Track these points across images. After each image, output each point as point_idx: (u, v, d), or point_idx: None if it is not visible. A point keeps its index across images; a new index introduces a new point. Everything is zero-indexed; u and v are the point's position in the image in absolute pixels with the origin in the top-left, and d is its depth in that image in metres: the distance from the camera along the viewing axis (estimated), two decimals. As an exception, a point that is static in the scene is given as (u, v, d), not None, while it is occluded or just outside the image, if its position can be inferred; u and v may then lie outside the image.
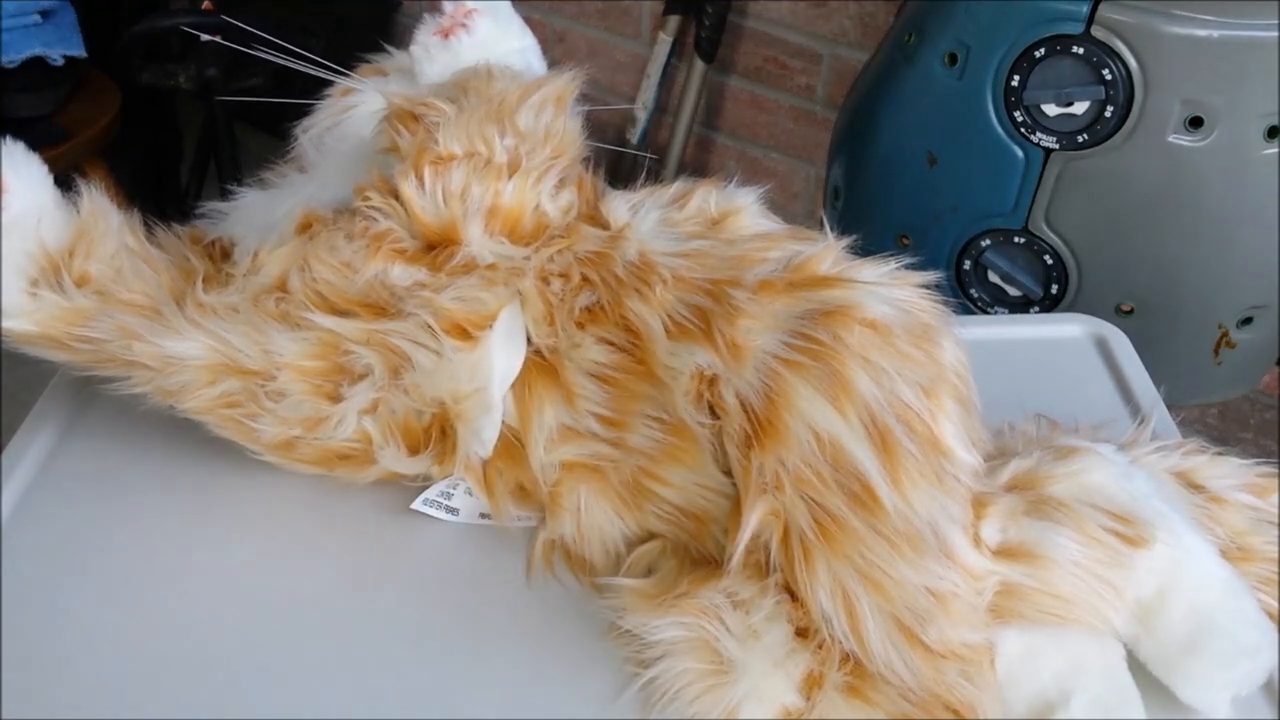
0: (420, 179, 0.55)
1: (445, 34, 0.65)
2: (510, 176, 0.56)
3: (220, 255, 0.63)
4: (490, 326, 0.54)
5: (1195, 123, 0.89)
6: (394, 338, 0.54)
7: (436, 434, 0.56)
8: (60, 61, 1.57)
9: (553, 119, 0.60)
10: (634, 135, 1.77)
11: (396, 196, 0.56)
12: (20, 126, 1.56)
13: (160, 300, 0.57)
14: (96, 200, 0.60)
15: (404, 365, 0.54)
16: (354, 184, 0.59)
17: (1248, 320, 0.99)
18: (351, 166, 0.63)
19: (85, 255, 0.57)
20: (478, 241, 0.56)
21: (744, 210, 0.58)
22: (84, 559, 0.57)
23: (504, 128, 0.58)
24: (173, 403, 0.55)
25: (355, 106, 0.66)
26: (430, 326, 0.54)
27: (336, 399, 0.55)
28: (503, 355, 0.54)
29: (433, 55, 0.65)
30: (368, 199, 0.57)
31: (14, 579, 0.55)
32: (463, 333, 0.54)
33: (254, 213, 0.64)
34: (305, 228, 0.59)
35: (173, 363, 0.54)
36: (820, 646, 0.49)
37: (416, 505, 0.59)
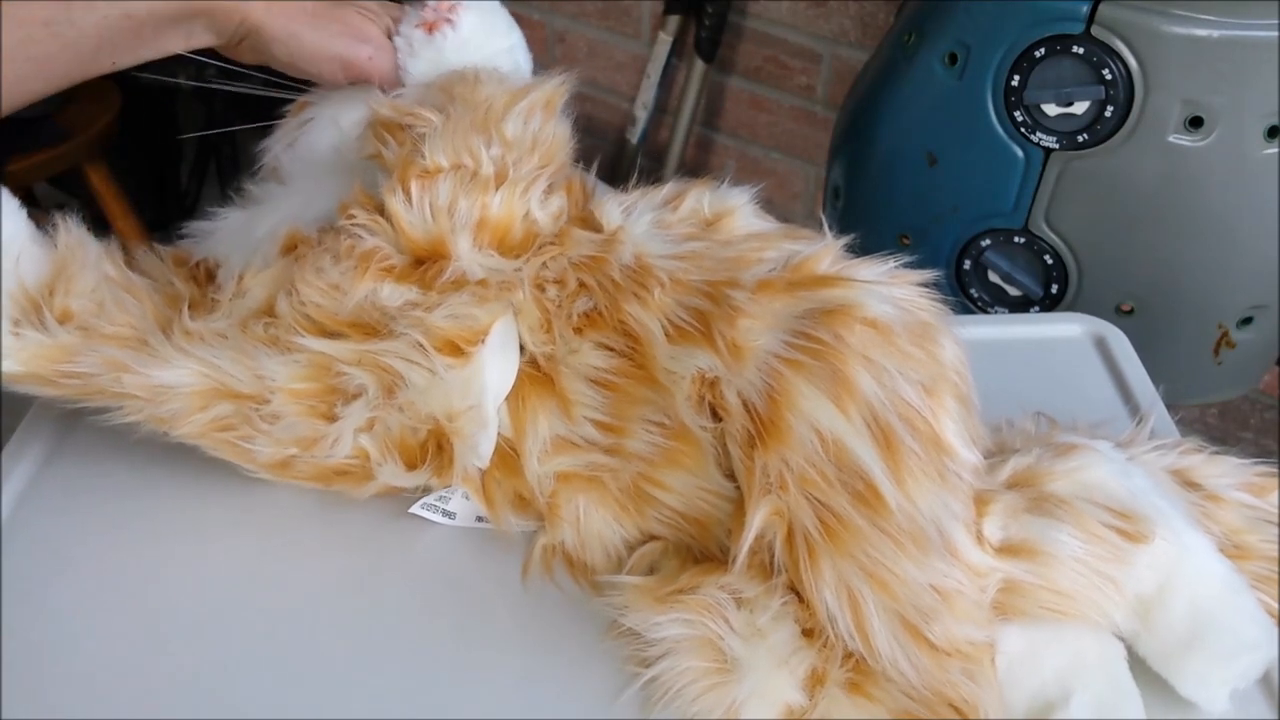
0: (407, 193, 0.55)
1: (429, 28, 0.64)
2: (497, 188, 0.56)
3: (205, 277, 0.62)
4: (483, 341, 0.54)
5: (1195, 123, 0.89)
6: (386, 357, 0.54)
7: (433, 449, 0.56)
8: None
9: (541, 126, 0.59)
10: (634, 135, 1.77)
11: (381, 212, 0.56)
12: (20, 126, 1.56)
13: (146, 330, 0.56)
14: (73, 232, 0.58)
15: (398, 383, 0.54)
16: (335, 193, 0.58)
17: (1248, 320, 0.99)
18: (330, 177, 0.62)
19: (65, 291, 0.56)
20: (467, 255, 0.55)
21: (738, 210, 0.58)
22: (82, 560, 0.57)
23: (490, 137, 0.57)
24: (166, 429, 0.55)
25: (311, 120, 0.66)
26: (422, 345, 0.53)
27: (332, 418, 0.55)
28: (496, 370, 0.54)
29: (417, 51, 0.64)
30: (352, 216, 0.56)
31: (13, 580, 0.55)
32: (455, 349, 0.53)
33: (236, 233, 0.63)
34: (290, 248, 0.58)
35: (163, 392, 0.53)
36: (824, 645, 0.49)
37: (414, 509, 0.59)
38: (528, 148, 0.58)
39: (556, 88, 0.61)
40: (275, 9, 0.62)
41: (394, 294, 0.55)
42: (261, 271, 0.58)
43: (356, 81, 0.65)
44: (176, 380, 0.53)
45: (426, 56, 0.64)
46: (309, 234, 0.58)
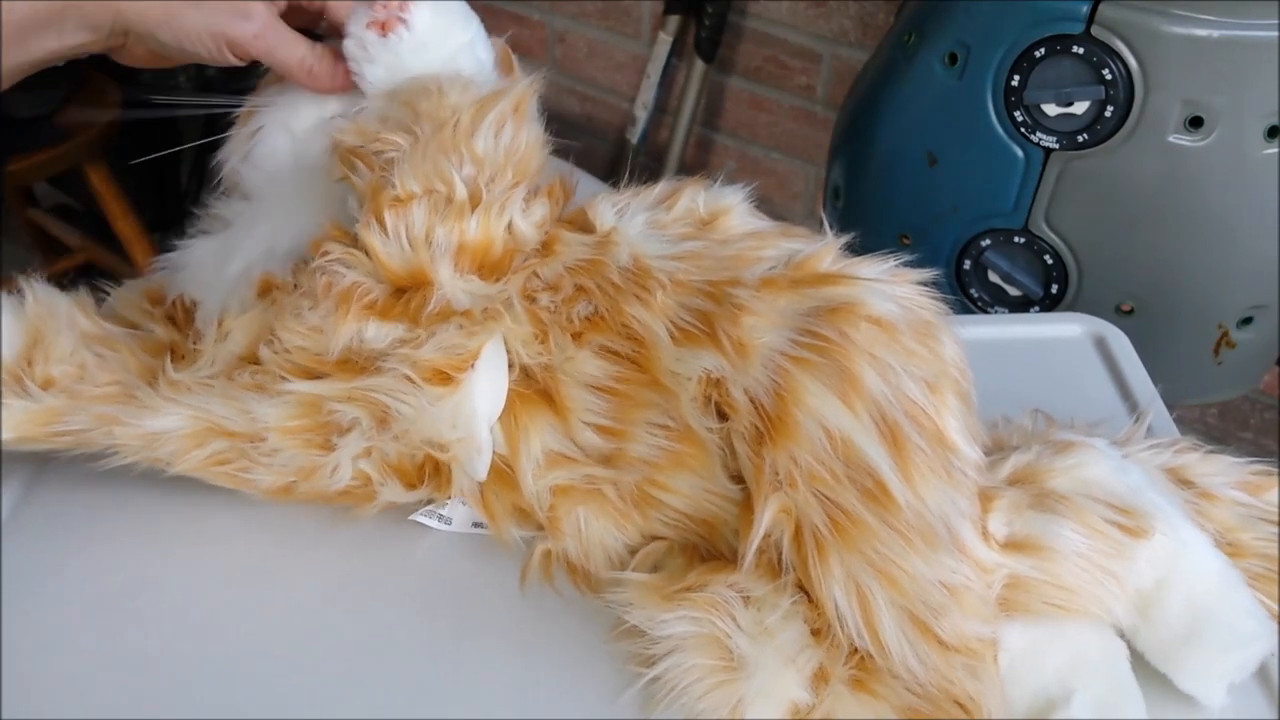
0: (382, 224, 0.54)
1: (382, 28, 0.60)
2: (473, 210, 0.55)
3: (183, 317, 0.62)
4: (472, 366, 0.53)
5: (1195, 123, 0.89)
6: (375, 393, 0.53)
7: (431, 469, 0.56)
8: (60, 61, 1.57)
9: (512, 137, 0.57)
10: (634, 135, 1.77)
11: (356, 244, 0.55)
12: (20, 126, 1.56)
13: (131, 384, 0.56)
14: (41, 297, 0.58)
15: (389, 414, 0.54)
16: (304, 215, 0.58)
17: (1248, 320, 0.99)
18: (295, 194, 0.61)
19: (44, 360, 0.55)
20: (449, 283, 0.54)
21: (734, 209, 0.57)
22: (78, 564, 0.57)
23: (461, 156, 0.56)
24: (164, 468, 0.54)
25: (261, 128, 0.64)
26: (410, 378, 0.53)
27: (329, 448, 0.55)
28: (485, 393, 0.54)
29: (372, 55, 0.60)
30: (327, 253, 0.55)
31: (13, 580, 0.55)
32: (444, 377, 0.53)
33: (209, 268, 0.62)
34: (265, 292, 0.58)
35: (156, 439, 0.53)
36: (831, 643, 0.49)
37: (414, 517, 0.59)
38: (501, 163, 0.57)
39: (524, 90, 0.59)
40: None
41: (379, 334, 0.54)
42: (240, 315, 0.58)
43: (245, 59, 0.62)
44: (167, 426, 0.53)
45: (384, 61, 0.60)
46: (283, 277, 0.58)
